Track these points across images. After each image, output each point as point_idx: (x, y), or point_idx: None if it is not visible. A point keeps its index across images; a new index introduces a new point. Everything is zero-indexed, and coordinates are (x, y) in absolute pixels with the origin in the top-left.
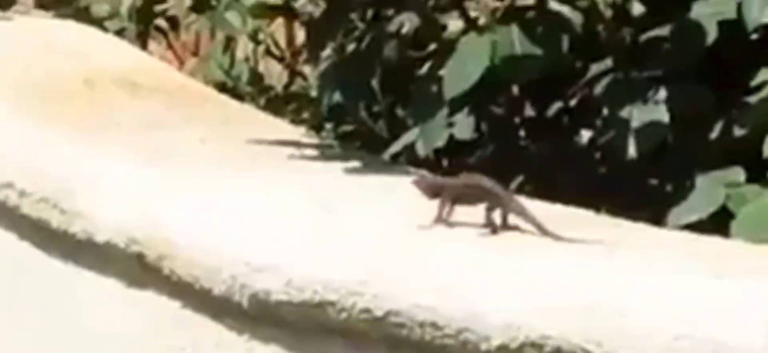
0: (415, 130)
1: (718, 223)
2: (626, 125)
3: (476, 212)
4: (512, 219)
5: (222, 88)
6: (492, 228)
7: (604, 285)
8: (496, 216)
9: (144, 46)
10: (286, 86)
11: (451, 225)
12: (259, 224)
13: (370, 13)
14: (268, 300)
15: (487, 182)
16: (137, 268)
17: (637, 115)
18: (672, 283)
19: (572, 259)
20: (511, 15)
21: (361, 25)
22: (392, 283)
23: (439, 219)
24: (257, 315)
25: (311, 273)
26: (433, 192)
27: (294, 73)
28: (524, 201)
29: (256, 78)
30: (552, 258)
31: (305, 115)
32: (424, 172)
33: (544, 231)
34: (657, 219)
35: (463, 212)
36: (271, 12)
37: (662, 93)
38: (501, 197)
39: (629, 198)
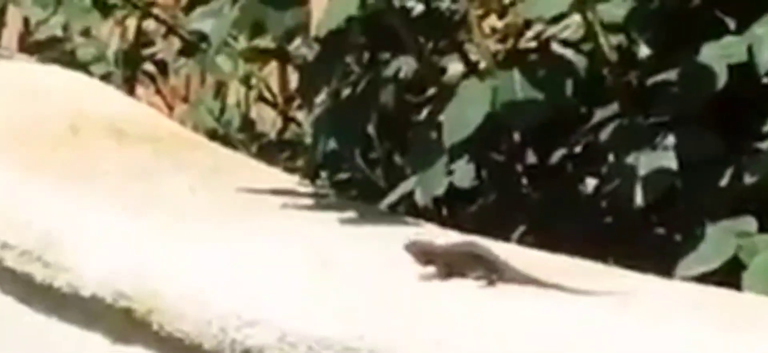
0: (413, 178)
1: (729, 274)
2: (633, 172)
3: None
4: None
5: (213, 134)
6: (489, 279)
7: (611, 340)
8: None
9: (131, 91)
10: (280, 133)
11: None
12: (251, 276)
13: (366, 56)
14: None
15: (480, 248)
16: (124, 323)
17: (644, 161)
18: (683, 337)
19: (578, 312)
20: (512, 58)
21: (356, 69)
22: (390, 337)
23: (433, 276)
24: None
25: (305, 328)
26: (425, 258)
27: (287, 119)
28: (524, 254)
29: (247, 124)
30: (556, 311)
31: (299, 162)
32: (417, 236)
33: (543, 285)
34: (666, 270)
35: None
36: (264, 56)
37: (670, 139)
38: (494, 263)
39: (637, 248)
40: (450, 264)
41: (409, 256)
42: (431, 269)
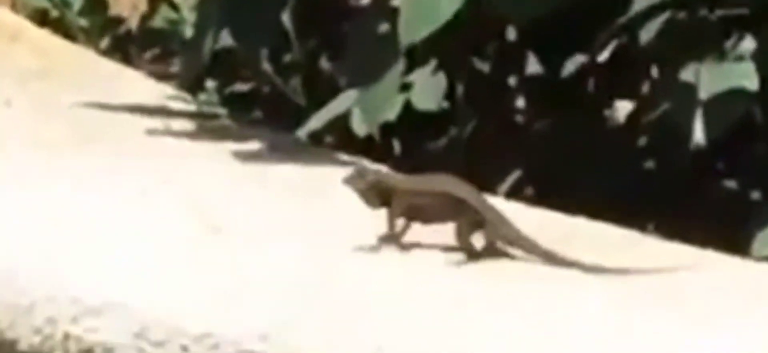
0: (349, 93)
1: None
2: (690, 94)
3: (444, 228)
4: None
5: (42, 18)
6: (469, 251)
7: (644, 343)
8: (475, 238)
9: None
10: (144, 19)
11: (405, 247)
12: (95, 243)
13: None
14: None
15: (460, 188)
16: None
17: (708, 78)
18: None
19: (599, 303)
20: None
21: None
22: (310, 338)
23: (389, 238)
24: None
25: (179, 320)
26: (377, 197)
27: (156, 0)
28: (520, 213)
29: (96, 5)
30: (566, 298)
31: (173, 66)
32: (363, 165)
33: (552, 259)
34: (734, 243)
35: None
36: None
37: (747, 43)
38: (481, 214)
39: (691, 211)
40: (414, 209)
41: (348, 194)
42: (378, 238)
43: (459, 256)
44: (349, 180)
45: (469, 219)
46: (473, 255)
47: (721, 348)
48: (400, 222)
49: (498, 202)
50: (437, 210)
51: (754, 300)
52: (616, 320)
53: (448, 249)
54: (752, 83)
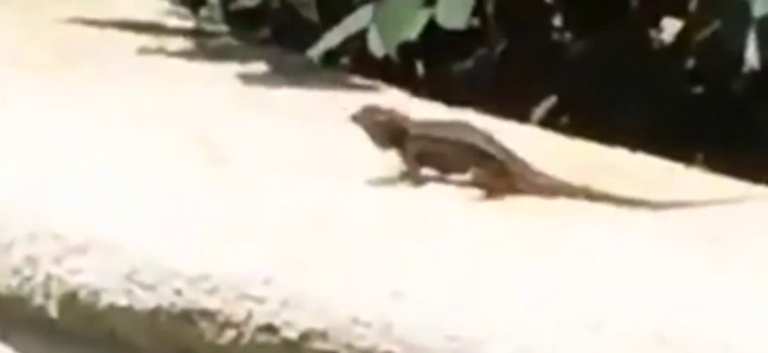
0: (364, 9)
1: None
2: (743, 12)
3: None
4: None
5: None
6: (487, 187)
7: (683, 287)
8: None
9: None
10: None
11: (421, 182)
12: (81, 172)
13: None
14: (94, 302)
15: (478, 136)
16: None
17: None
18: None
19: (633, 240)
20: None
21: None
22: (318, 281)
23: (405, 174)
24: (69, 328)
25: (174, 264)
26: (388, 136)
27: None
28: (554, 143)
29: None
30: (596, 238)
31: None
32: (374, 103)
33: (584, 194)
34: None
35: None
36: None
37: None
38: (503, 164)
39: (744, 141)
40: (427, 154)
41: (360, 135)
42: (395, 157)
43: (479, 193)
44: (359, 118)
45: (489, 168)
46: (494, 192)
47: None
48: (412, 167)
49: (530, 132)
50: (452, 158)
51: None
52: (653, 261)
53: (466, 185)
54: None
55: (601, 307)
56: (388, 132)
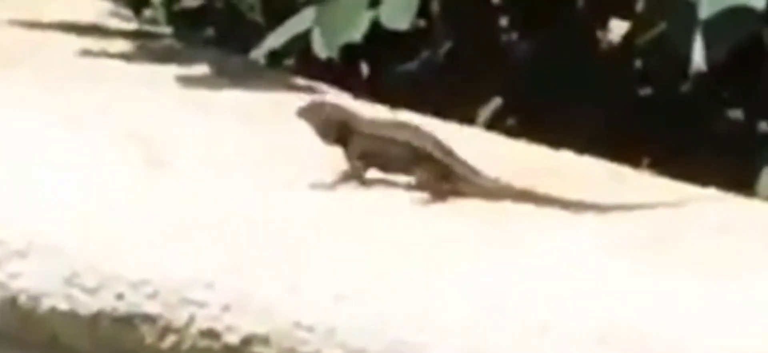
0: (308, 10)
1: None
2: (689, 13)
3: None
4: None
5: None
6: (430, 189)
7: (630, 290)
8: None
9: None
10: None
11: (366, 183)
12: (18, 177)
13: None
14: (34, 307)
15: (423, 138)
16: None
17: None
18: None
19: (578, 243)
20: None
21: None
22: (261, 285)
23: (349, 175)
24: (10, 333)
25: (116, 268)
26: (333, 131)
27: None
28: (500, 145)
29: None
30: (541, 240)
31: None
32: (319, 97)
33: (529, 197)
34: (741, 180)
35: None
36: None
37: None
38: (448, 166)
39: (691, 143)
40: (370, 152)
41: (306, 127)
42: (337, 175)
43: (424, 196)
44: (303, 113)
45: (434, 171)
46: (439, 194)
47: (718, 295)
48: (355, 163)
49: (476, 133)
50: (397, 159)
51: (759, 243)
52: (598, 264)
53: (412, 188)
54: (759, 0)
55: (547, 310)
56: (334, 127)
